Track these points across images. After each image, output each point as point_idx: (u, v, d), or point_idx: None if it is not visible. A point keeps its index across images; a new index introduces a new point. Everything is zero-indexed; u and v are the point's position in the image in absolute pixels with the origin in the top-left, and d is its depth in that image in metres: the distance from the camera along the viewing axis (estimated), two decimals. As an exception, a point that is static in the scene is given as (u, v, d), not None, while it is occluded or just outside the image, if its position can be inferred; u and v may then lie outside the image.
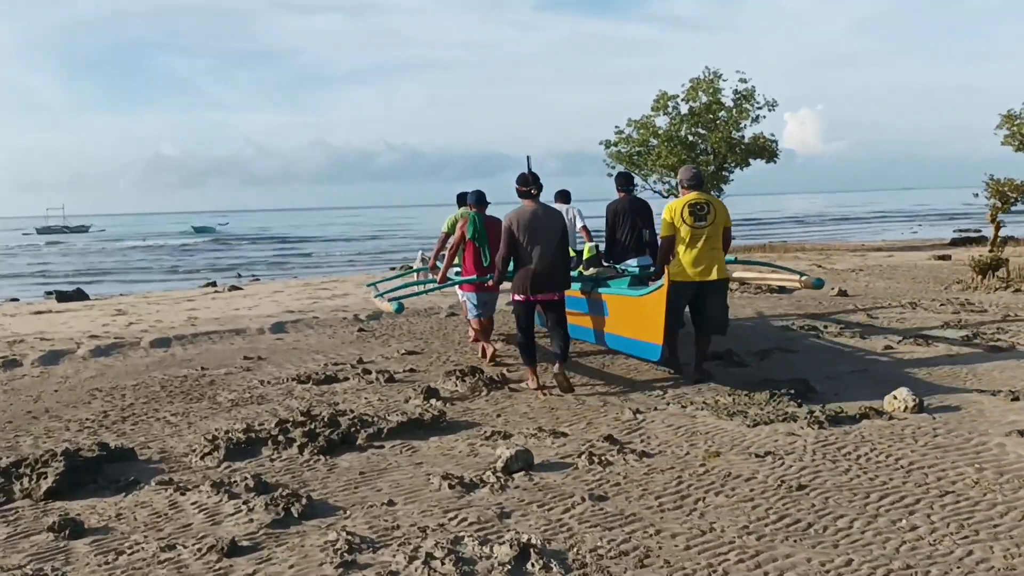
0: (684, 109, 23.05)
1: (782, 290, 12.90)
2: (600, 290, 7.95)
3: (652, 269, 8.06)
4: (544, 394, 7.07)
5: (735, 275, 10.33)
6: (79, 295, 18.57)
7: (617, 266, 8.52)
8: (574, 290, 7.95)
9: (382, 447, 5.72)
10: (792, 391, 6.46)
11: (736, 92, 22.98)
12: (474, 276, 8.45)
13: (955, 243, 24.15)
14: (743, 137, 22.78)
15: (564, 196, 10.25)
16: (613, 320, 7.65)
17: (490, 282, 7.91)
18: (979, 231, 36.09)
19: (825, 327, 9.87)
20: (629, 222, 8.47)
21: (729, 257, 9.12)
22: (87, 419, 6.86)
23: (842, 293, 12.87)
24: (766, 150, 22.57)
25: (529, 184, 7.22)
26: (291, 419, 6.26)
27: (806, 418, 5.79)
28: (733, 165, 22.79)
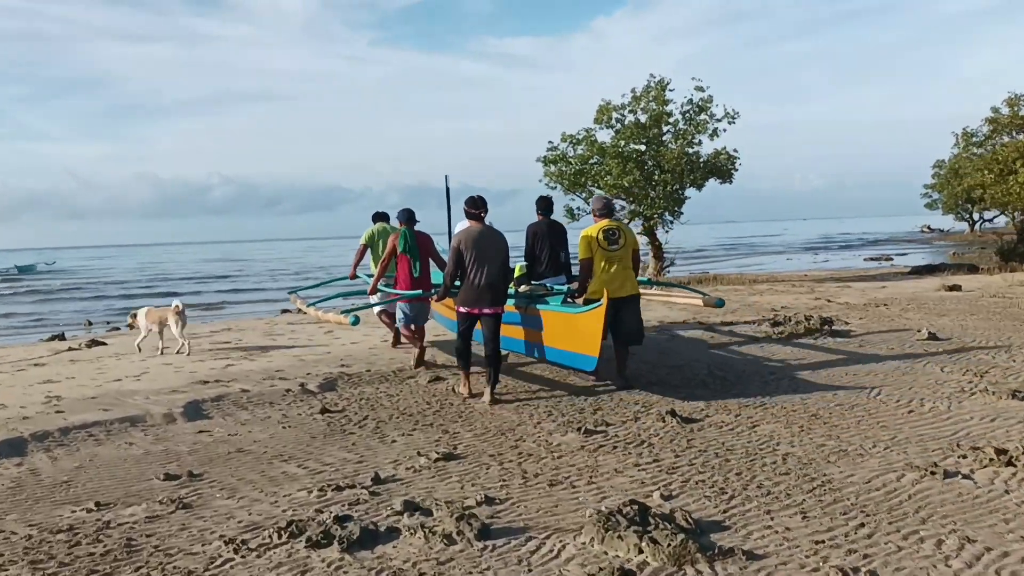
0: (630, 121, 20.03)
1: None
2: (538, 307, 8.15)
3: (572, 288, 8.34)
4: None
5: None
6: None
7: (545, 284, 8.70)
8: (509, 305, 8.22)
9: None
10: None
11: (690, 102, 20.10)
12: (409, 287, 9.21)
13: (917, 272, 22.20)
14: (698, 154, 19.87)
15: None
16: (550, 334, 8.01)
17: (434, 297, 8.68)
18: (890, 258, 35.27)
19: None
20: (548, 244, 8.85)
21: (644, 278, 9.32)
22: None
23: (932, 336, 10.13)
24: (723, 169, 19.73)
25: (479, 207, 7.73)
26: None
27: None
28: (689, 185, 19.75)
